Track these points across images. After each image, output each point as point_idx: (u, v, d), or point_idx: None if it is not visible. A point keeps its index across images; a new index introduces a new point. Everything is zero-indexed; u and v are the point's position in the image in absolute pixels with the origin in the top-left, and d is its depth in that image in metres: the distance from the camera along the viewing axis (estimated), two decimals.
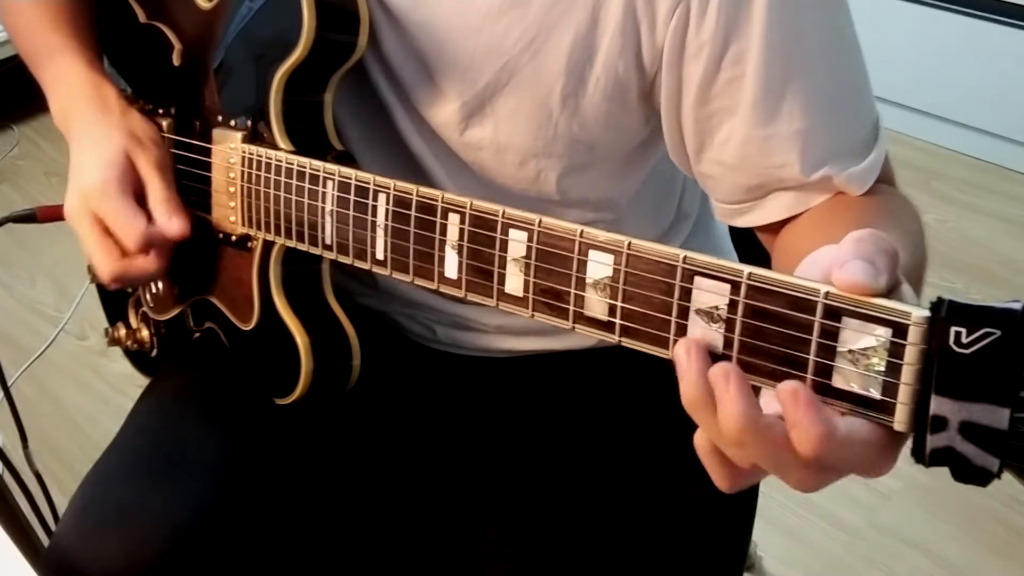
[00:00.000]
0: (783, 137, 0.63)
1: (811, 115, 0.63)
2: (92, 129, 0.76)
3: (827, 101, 0.64)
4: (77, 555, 0.75)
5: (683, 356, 0.43)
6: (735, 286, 0.43)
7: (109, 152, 0.73)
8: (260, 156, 0.69)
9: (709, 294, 0.44)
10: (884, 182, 0.68)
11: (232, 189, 0.73)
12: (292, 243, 0.69)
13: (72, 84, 0.79)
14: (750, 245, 0.75)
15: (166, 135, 0.79)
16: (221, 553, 0.76)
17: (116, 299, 0.94)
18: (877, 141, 0.67)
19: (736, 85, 0.62)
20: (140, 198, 0.73)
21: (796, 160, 0.63)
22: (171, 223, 0.72)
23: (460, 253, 0.55)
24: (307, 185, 0.66)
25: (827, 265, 0.42)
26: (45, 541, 1.05)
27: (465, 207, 0.54)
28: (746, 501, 0.89)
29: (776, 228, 0.69)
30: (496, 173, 0.74)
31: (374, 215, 0.61)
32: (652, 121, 0.70)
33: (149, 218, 0.72)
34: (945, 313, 0.37)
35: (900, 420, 0.39)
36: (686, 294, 0.45)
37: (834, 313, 0.40)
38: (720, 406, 0.41)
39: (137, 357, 0.95)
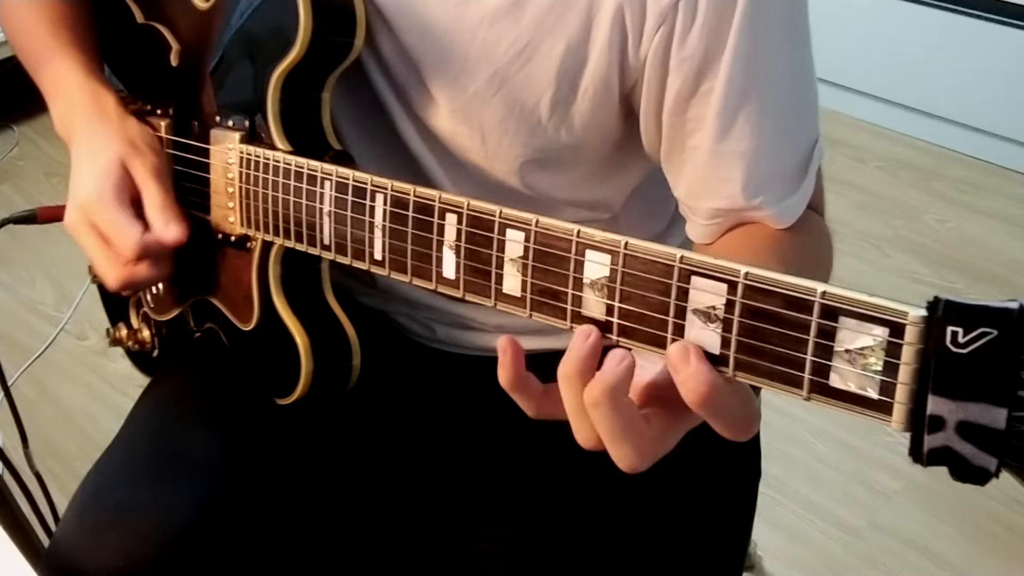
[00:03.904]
0: (731, 155, 0.66)
1: (759, 137, 0.66)
2: (90, 139, 0.76)
3: (776, 125, 0.67)
4: (77, 555, 0.75)
5: (583, 335, 0.48)
6: (732, 286, 0.43)
7: (105, 162, 0.73)
8: (258, 156, 0.69)
9: (706, 294, 0.44)
10: (813, 206, 0.71)
11: (230, 189, 0.73)
12: (291, 243, 0.69)
13: (71, 92, 0.79)
14: None
15: (164, 136, 0.79)
16: (221, 552, 0.76)
17: (117, 299, 0.94)
18: (811, 163, 0.70)
19: (707, 99, 0.65)
20: (139, 204, 0.73)
21: (739, 178, 0.66)
22: (168, 230, 0.72)
23: (458, 253, 0.55)
24: (305, 186, 0.66)
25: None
26: (45, 541, 1.05)
27: (462, 207, 0.54)
28: (746, 501, 0.89)
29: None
30: (490, 175, 0.74)
31: (372, 215, 0.61)
32: (632, 120, 0.71)
33: (147, 225, 0.72)
34: (942, 313, 0.37)
35: (897, 420, 0.39)
36: (683, 294, 0.45)
37: (831, 313, 0.40)
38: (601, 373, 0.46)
39: (138, 357, 0.96)
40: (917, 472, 0.44)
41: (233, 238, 0.74)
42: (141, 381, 0.93)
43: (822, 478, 1.62)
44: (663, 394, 0.48)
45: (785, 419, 1.67)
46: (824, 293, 0.41)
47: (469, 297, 0.56)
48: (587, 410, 0.46)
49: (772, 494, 1.57)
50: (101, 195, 0.71)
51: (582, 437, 0.49)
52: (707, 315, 0.44)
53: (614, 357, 0.46)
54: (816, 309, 0.41)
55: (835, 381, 0.41)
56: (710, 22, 0.62)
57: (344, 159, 0.71)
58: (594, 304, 0.49)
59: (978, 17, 2.26)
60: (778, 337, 0.42)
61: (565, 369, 0.48)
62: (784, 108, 0.68)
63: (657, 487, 0.81)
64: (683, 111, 0.66)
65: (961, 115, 2.38)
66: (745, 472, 0.87)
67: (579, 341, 0.48)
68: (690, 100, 0.65)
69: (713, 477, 0.83)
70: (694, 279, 0.45)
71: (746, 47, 0.63)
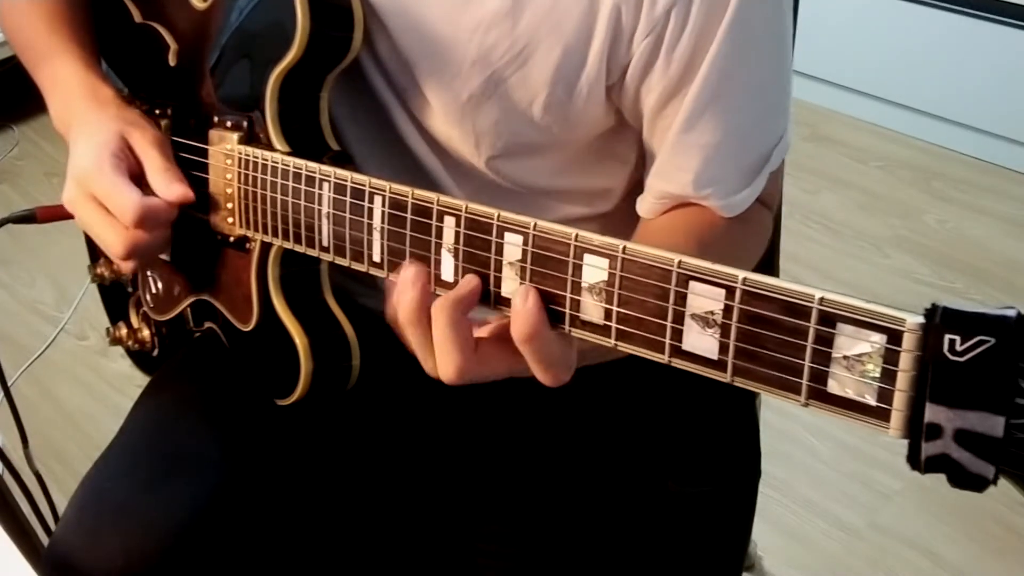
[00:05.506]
0: (691, 146, 0.68)
1: (721, 134, 0.68)
2: (88, 124, 0.75)
3: (741, 125, 0.69)
4: (77, 555, 0.75)
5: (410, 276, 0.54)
6: (730, 291, 0.43)
7: (103, 135, 0.72)
8: (256, 157, 0.69)
9: (704, 299, 0.44)
10: (763, 199, 0.73)
11: (229, 190, 0.73)
12: (289, 245, 0.69)
13: (69, 87, 0.78)
14: None
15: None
16: (220, 552, 0.76)
17: (117, 299, 0.94)
18: (769, 162, 0.72)
19: (685, 95, 0.67)
20: (138, 179, 0.72)
21: (694, 169, 0.68)
22: (172, 188, 0.71)
23: (456, 256, 0.55)
24: (303, 187, 0.66)
25: None
26: (45, 541, 1.05)
27: (460, 210, 0.54)
28: (746, 501, 0.89)
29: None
30: (487, 176, 0.75)
31: (370, 217, 0.61)
32: (617, 111, 0.73)
33: (146, 192, 0.71)
34: (939, 320, 0.37)
35: (895, 427, 0.39)
36: (681, 299, 0.45)
37: (829, 319, 0.40)
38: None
39: (139, 356, 0.95)
40: (917, 473, 0.44)
41: (232, 239, 0.74)
42: (141, 381, 0.93)
43: (822, 478, 1.62)
44: (502, 333, 0.54)
45: (785, 419, 1.67)
46: (822, 299, 0.41)
47: None
48: (432, 316, 0.53)
49: (772, 494, 1.56)
50: (99, 164, 0.70)
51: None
52: (705, 320, 0.44)
53: (465, 279, 0.54)
54: (814, 315, 0.41)
55: (833, 387, 0.41)
56: (699, 28, 0.63)
57: (343, 160, 0.71)
58: (592, 308, 0.49)
59: (978, 17, 2.25)
60: (776, 343, 0.42)
61: (407, 311, 0.55)
62: (752, 110, 0.69)
63: (656, 487, 0.82)
64: (665, 106, 0.68)
65: (961, 115, 2.37)
66: (745, 472, 0.87)
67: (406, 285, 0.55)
68: (672, 98, 0.67)
69: (713, 477, 0.84)
70: (692, 284, 0.45)
71: (727, 51, 0.64)
